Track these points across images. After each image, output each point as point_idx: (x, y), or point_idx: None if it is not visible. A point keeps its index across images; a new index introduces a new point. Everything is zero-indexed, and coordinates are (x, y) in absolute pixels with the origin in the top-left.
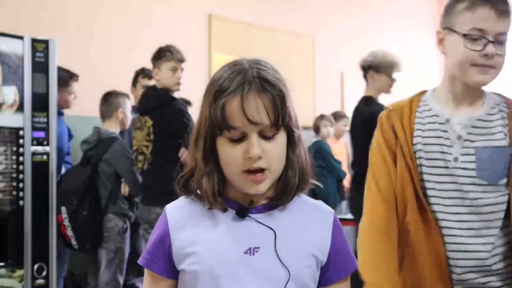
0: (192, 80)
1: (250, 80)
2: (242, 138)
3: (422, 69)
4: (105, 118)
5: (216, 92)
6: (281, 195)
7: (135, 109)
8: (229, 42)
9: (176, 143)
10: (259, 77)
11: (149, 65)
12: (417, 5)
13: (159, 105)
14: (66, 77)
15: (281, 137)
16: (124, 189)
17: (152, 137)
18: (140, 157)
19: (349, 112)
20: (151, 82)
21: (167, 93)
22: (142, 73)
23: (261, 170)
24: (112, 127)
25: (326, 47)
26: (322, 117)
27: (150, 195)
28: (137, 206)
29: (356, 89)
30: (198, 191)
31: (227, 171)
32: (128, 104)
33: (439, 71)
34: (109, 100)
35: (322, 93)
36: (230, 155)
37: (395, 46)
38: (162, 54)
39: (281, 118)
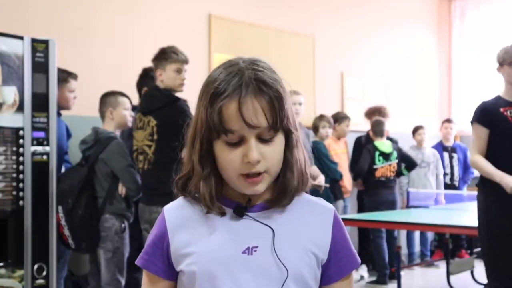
0: (192, 80)
1: (247, 82)
2: (240, 141)
3: (422, 68)
4: (102, 118)
5: (212, 95)
6: (281, 197)
7: (136, 108)
8: (229, 42)
9: (178, 144)
10: (256, 78)
11: (146, 66)
12: (417, 4)
13: (163, 105)
14: (64, 75)
15: (279, 139)
16: (121, 190)
17: (156, 137)
18: (141, 157)
19: (349, 112)
20: None
21: (171, 94)
22: None
23: (258, 173)
24: (110, 127)
25: (326, 46)
26: (321, 117)
27: (152, 195)
28: (136, 206)
29: (356, 89)
30: (196, 193)
31: (225, 174)
32: (121, 102)
33: (439, 69)
34: (102, 100)
35: (322, 93)
36: (228, 159)
37: (396, 45)
38: (167, 56)
39: (279, 120)
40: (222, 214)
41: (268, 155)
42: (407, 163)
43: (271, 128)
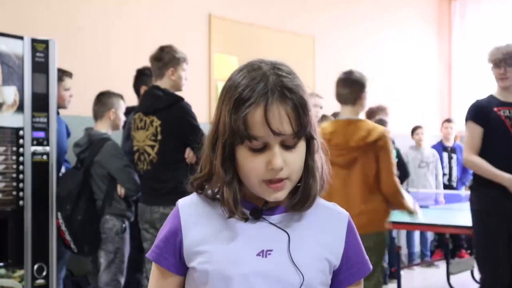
0: (192, 80)
1: (272, 89)
2: (264, 147)
3: (422, 68)
4: (98, 118)
5: (236, 100)
6: (303, 203)
7: (135, 109)
8: (229, 42)
9: (182, 144)
10: (281, 85)
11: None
12: (417, 4)
13: (167, 105)
14: (59, 73)
15: (302, 145)
16: (120, 190)
17: (159, 137)
18: (142, 157)
19: None
20: None
21: (174, 94)
22: None
23: (281, 179)
24: (104, 128)
25: (326, 47)
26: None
27: (153, 196)
28: (135, 206)
29: None
30: (216, 195)
31: (247, 180)
32: (122, 104)
33: (439, 69)
34: (102, 100)
35: (322, 93)
36: (252, 166)
37: (396, 45)
38: (179, 54)
39: (303, 127)
40: (245, 219)
41: (290, 162)
42: (401, 170)
43: (296, 135)
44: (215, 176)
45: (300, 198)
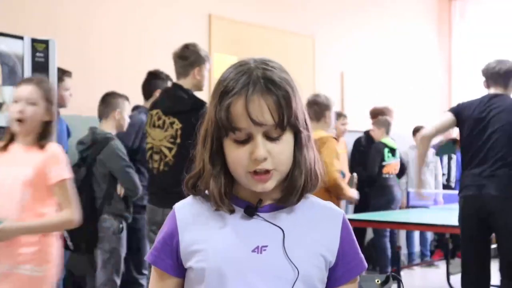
0: None
1: (254, 81)
2: (247, 139)
3: (422, 67)
4: (102, 118)
5: (221, 93)
6: (287, 196)
7: (151, 105)
8: (229, 42)
9: (191, 143)
10: (264, 77)
11: (146, 66)
12: (417, 3)
13: (190, 109)
14: (59, 73)
15: (288, 137)
16: (120, 190)
17: (179, 140)
18: (156, 157)
19: (349, 112)
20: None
21: (197, 97)
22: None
23: (267, 171)
24: (109, 128)
25: (326, 47)
26: None
27: (168, 198)
28: (134, 207)
29: (356, 89)
30: (206, 192)
31: (234, 172)
32: (127, 105)
33: (439, 68)
34: (108, 101)
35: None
36: (236, 157)
37: (396, 45)
38: (204, 53)
39: (286, 118)
40: (231, 211)
41: (275, 153)
42: (401, 165)
43: (278, 126)
44: (204, 171)
45: (286, 192)
